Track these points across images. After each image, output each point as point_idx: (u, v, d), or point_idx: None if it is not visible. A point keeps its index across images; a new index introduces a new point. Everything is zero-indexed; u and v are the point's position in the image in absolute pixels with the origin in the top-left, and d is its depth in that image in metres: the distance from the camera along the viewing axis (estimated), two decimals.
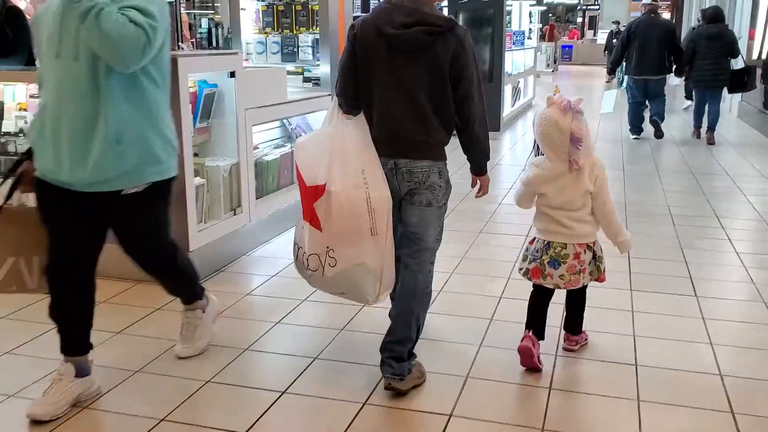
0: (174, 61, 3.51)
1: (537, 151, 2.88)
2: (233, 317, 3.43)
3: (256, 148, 4.46)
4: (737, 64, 9.09)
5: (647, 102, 9.05)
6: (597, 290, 3.13)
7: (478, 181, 2.86)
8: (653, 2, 8.89)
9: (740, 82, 8.65)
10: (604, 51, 20.45)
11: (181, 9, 12.01)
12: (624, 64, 9.16)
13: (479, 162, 2.80)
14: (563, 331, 3.07)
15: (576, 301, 2.99)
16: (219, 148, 4.13)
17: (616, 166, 7.42)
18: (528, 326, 2.87)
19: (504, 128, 10.13)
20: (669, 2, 29.10)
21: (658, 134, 8.99)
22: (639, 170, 7.28)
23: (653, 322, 3.35)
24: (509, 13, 18.88)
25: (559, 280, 2.79)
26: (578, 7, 39.82)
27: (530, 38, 20.95)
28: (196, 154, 3.82)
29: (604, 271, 2.88)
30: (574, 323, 3.02)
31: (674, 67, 8.88)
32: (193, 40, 11.91)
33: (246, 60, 5.54)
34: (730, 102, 12.19)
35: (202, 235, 3.84)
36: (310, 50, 5.37)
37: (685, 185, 6.58)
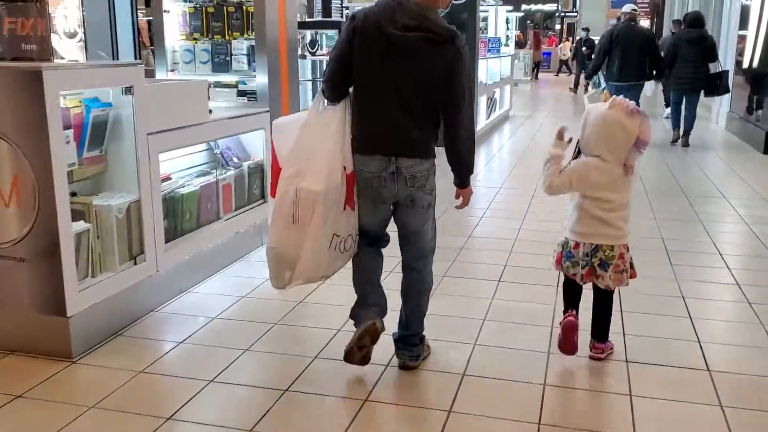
0: (37, 75, 2.71)
1: (578, 153, 2.92)
2: (111, 409, 2.61)
3: (167, 179, 3.66)
4: (717, 68, 9.15)
5: None
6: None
7: (460, 193, 2.88)
8: (633, 11, 9.05)
9: (712, 85, 8.88)
10: (572, 59, 19.89)
11: (139, 14, 11.19)
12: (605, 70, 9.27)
13: (462, 175, 2.81)
14: (590, 340, 3.04)
15: (604, 306, 3.01)
16: (117, 182, 3.33)
17: None
18: (568, 306, 3.00)
19: (478, 143, 9.36)
20: (648, 9, 28.79)
21: None
22: None
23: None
24: (485, 19, 18.35)
25: (609, 281, 2.86)
26: (556, 14, 39.61)
27: (507, 45, 20.42)
28: (73, 194, 3.01)
29: (634, 267, 2.94)
30: (602, 329, 3.02)
31: (654, 72, 9.00)
32: (153, 48, 11.09)
33: (172, 71, 4.75)
34: (717, 112, 11.59)
35: (87, 294, 3.03)
36: (245, 59, 4.58)
37: (666, 187, 6.75)
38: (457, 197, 2.89)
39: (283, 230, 2.66)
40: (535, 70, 24.07)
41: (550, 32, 36.74)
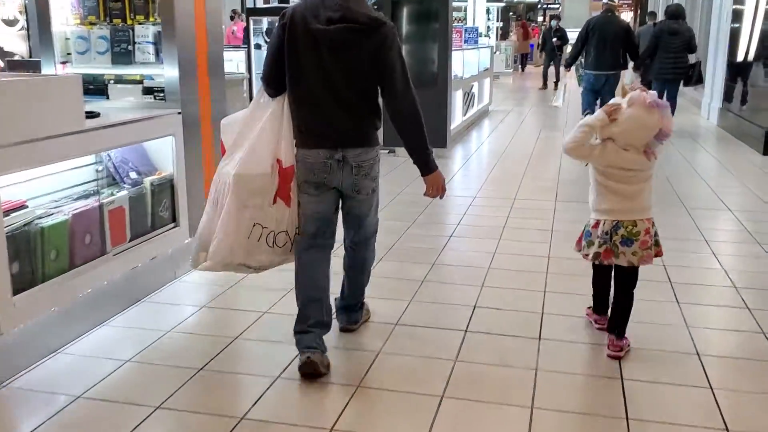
0: None
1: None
2: None
3: (19, 207, 2.74)
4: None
5: (599, 98, 9.17)
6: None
7: (426, 180, 2.79)
8: (610, 2, 9.36)
9: (688, 76, 9.15)
10: (540, 51, 18.44)
11: None
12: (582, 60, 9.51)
13: (420, 159, 2.74)
14: (609, 337, 2.96)
15: (625, 295, 2.94)
16: None
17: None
18: (597, 310, 3.11)
19: (453, 143, 8.52)
20: (631, 2, 28.10)
21: None
22: None
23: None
24: (460, 9, 17.47)
25: (632, 257, 2.82)
26: (539, 6, 39.03)
27: (488, 36, 19.55)
28: None
29: (659, 244, 2.90)
30: (621, 322, 2.93)
31: (631, 63, 9.22)
32: None
33: (64, 63, 3.81)
34: (708, 108, 10.81)
35: None
36: (151, 48, 3.66)
37: (662, 195, 5.85)
38: (426, 187, 2.81)
39: (206, 213, 2.75)
40: (524, 62, 23.18)
41: (532, 24, 36.09)
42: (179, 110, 3.60)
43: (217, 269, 2.74)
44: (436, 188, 2.79)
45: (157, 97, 3.68)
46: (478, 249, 4.38)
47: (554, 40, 16.44)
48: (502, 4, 22.86)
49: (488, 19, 20.11)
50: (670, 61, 9.07)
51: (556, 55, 16.31)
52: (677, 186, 6.21)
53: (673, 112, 8.88)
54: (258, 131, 2.66)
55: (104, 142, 3.13)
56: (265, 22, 8.29)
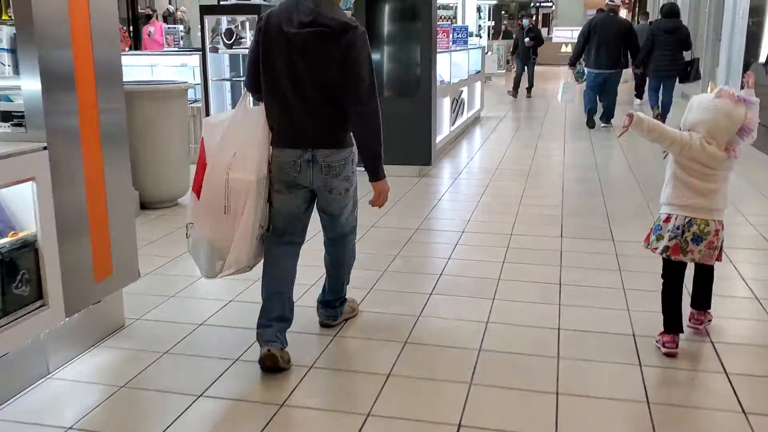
0: None
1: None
2: None
3: None
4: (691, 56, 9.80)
5: (599, 97, 9.73)
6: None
7: (373, 187, 2.84)
8: (611, 2, 9.71)
9: (685, 73, 9.28)
10: (511, 54, 15.64)
11: None
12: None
13: (369, 165, 2.78)
14: (690, 310, 3.07)
15: (705, 277, 3.02)
16: None
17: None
18: (671, 327, 2.91)
19: (439, 159, 7.50)
20: (628, 1, 27.21)
21: (607, 123, 9.83)
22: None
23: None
24: (451, 7, 16.46)
25: (698, 255, 2.84)
26: (531, 4, 38.22)
27: (480, 36, 18.53)
28: None
29: (722, 250, 2.92)
30: (706, 296, 3.05)
31: (631, 60, 9.54)
32: None
33: None
34: None
35: None
36: (6, 57, 2.62)
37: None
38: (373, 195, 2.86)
39: (215, 222, 2.73)
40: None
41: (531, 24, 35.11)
42: (44, 143, 2.56)
43: (230, 274, 2.81)
44: (383, 196, 2.86)
45: (14, 124, 2.63)
46: (463, 316, 3.35)
47: (527, 40, 13.99)
48: (494, 2, 21.78)
49: (480, 18, 19.09)
50: (666, 58, 9.23)
51: (531, 57, 14.22)
52: None
53: (669, 109, 9.36)
54: (256, 134, 2.72)
55: None
56: (224, 22, 7.24)
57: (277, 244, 2.87)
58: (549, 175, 6.77)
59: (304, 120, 2.69)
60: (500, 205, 5.54)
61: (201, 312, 3.37)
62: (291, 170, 2.72)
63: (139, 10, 17.87)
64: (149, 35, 9.01)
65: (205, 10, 6.99)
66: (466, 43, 10.03)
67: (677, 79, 9.41)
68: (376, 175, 2.79)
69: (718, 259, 2.91)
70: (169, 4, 18.12)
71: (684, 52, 9.39)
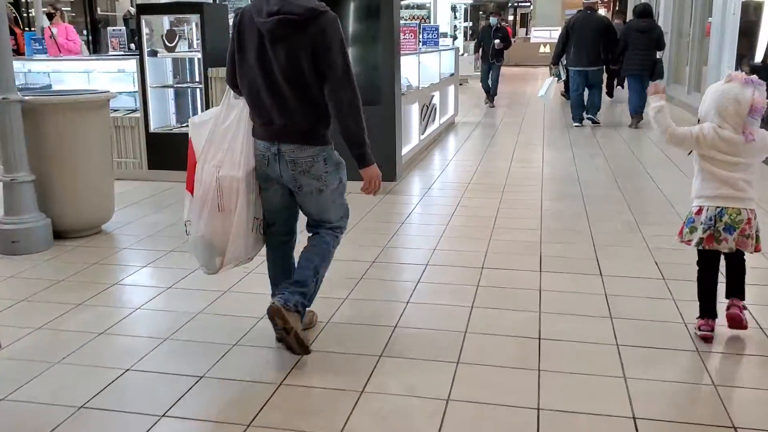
0: None
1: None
2: None
3: None
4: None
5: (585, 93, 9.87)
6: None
7: (362, 174, 2.79)
8: (590, 1, 9.79)
9: (651, 71, 9.40)
10: (476, 54, 13.75)
11: None
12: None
13: (354, 151, 2.72)
14: (726, 300, 3.02)
15: (737, 269, 3.01)
16: None
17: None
18: (706, 312, 2.98)
19: (407, 172, 6.81)
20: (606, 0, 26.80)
21: (594, 117, 10.00)
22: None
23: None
24: (426, 6, 15.80)
25: (732, 243, 2.87)
26: (509, 4, 37.82)
27: (455, 37, 17.90)
28: None
29: (759, 240, 2.93)
30: (737, 286, 3.02)
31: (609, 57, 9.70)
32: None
33: None
34: None
35: None
36: None
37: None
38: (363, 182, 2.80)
39: (210, 219, 2.76)
40: None
41: (503, 22, 34.69)
42: None
43: (229, 268, 2.88)
44: (372, 182, 2.78)
45: None
46: (417, 390, 2.65)
47: (496, 42, 12.19)
48: (470, 2, 21.09)
49: (455, 18, 18.45)
50: (638, 57, 9.36)
51: (497, 60, 12.47)
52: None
53: (644, 107, 9.24)
54: (241, 130, 2.77)
55: None
56: (165, 22, 6.49)
57: (270, 236, 2.96)
58: (526, 190, 6.10)
59: (272, 112, 2.68)
60: (471, 229, 4.86)
61: (87, 389, 2.63)
62: (261, 163, 2.76)
63: (99, 12, 17.01)
64: (52, 38, 8.13)
65: (142, 9, 6.24)
66: (437, 44, 9.35)
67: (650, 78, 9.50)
68: (362, 161, 2.73)
69: (757, 249, 2.93)
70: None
71: (658, 51, 9.56)
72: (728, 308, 3.00)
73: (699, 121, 2.96)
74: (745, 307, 3.03)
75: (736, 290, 3.02)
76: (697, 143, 2.90)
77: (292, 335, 2.64)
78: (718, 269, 3.01)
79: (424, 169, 7.19)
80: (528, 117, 11.33)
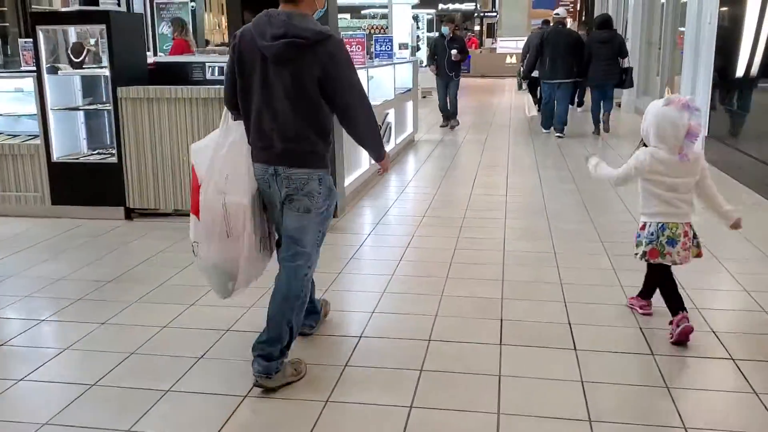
0: None
1: (642, 143, 3.20)
2: None
3: None
4: (626, 64, 9.99)
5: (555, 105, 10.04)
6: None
7: (378, 163, 2.98)
8: (560, 16, 10.22)
9: (620, 80, 9.74)
10: (431, 66, 11.41)
11: None
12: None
13: (374, 154, 2.92)
14: (679, 316, 3.14)
15: (669, 283, 3.24)
16: None
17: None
18: (676, 310, 3.14)
19: (354, 203, 5.99)
20: (572, 11, 26.48)
21: (561, 135, 9.94)
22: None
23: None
24: (384, 16, 15.05)
25: (677, 256, 3.10)
26: (475, 14, 37.49)
27: (418, 48, 17.19)
28: None
29: (700, 246, 3.22)
30: (650, 290, 3.41)
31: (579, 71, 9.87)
32: None
33: None
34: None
35: None
36: None
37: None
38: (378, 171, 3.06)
39: (220, 245, 2.76)
40: None
41: (469, 33, 34.35)
42: None
43: (241, 291, 2.92)
44: (385, 167, 2.98)
45: None
46: None
47: (453, 52, 10.42)
48: (432, 11, 20.37)
49: (417, 28, 17.75)
50: (602, 67, 9.62)
51: (455, 75, 10.71)
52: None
53: (610, 109, 10.04)
54: (243, 154, 2.75)
55: None
56: (72, 34, 5.60)
57: (279, 255, 2.90)
58: (488, 224, 5.33)
59: (273, 135, 2.68)
60: (420, 283, 4.05)
61: None
62: (263, 185, 2.77)
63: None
64: None
65: (38, 19, 5.32)
66: (391, 56, 8.57)
67: (614, 86, 9.91)
68: (379, 157, 2.92)
69: (699, 255, 3.21)
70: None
71: (621, 60, 9.74)
72: (678, 324, 3.11)
73: (641, 134, 3.19)
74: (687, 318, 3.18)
75: (648, 293, 3.42)
76: (639, 172, 3.14)
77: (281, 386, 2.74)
78: (671, 274, 3.24)
79: (375, 197, 6.39)
80: (493, 133, 10.62)
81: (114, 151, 5.43)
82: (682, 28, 10.68)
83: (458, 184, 6.99)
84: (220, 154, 2.75)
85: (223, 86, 2.85)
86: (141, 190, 5.42)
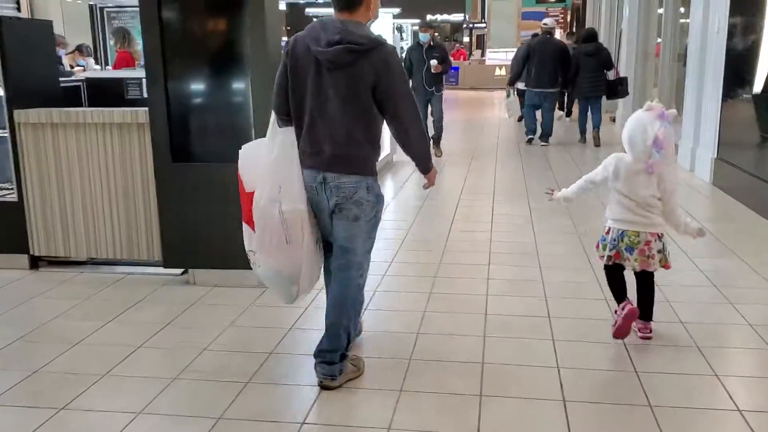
0: None
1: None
2: None
3: None
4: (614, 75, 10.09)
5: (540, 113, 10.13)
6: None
7: (425, 177, 3.05)
8: (546, 25, 10.24)
9: (615, 90, 9.92)
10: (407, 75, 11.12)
11: None
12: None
13: (422, 167, 2.98)
14: (637, 322, 3.25)
15: (645, 289, 3.27)
16: None
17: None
18: (620, 299, 3.26)
19: None
20: (561, 20, 25.84)
21: (546, 142, 10.14)
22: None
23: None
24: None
25: (635, 263, 3.18)
26: (464, 26, 36.86)
27: (403, 61, 16.34)
28: None
29: (668, 260, 3.22)
30: (646, 309, 3.26)
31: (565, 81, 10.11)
32: None
33: None
34: (692, 154, 7.73)
35: None
36: None
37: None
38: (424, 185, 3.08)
39: (280, 253, 2.77)
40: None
41: (457, 45, 33.74)
42: None
43: (305, 294, 2.97)
44: (431, 180, 3.04)
45: None
46: None
47: (433, 62, 8.79)
48: (415, 21, 19.43)
49: (402, 39, 16.89)
50: (588, 80, 9.83)
51: (437, 89, 9.05)
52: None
53: (599, 122, 10.12)
54: (296, 160, 2.76)
55: None
56: None
57: (327, 258, 2.95)
58: (467, 275, 4.40)
59: (324, 141, 2.69)
60: (387, 343, 3.22)
61: None
62: (312, 192, 2.77)
63: None
64: None
65: None
66: None
67: (603, 98, 10.04)
68: (426, 171, 2.98)
69: (665, 266, 3.21)
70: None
71: (607, 72, 9.91)
72: (639, 330, 3.25)
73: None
74: (651, 330, 3.28)
75: (645, 314, 3.27)
76: (605, 170, 3.21)
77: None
78: (621, 275, 3.28)
79: None
80: (478, 154, 9.72)
81: (13, 188, 4.48)
82: (659, 39, 11.03)
83: (436, 217, 6.06)
84: (272, 164, 2.76)
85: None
86: (48, 233, 4.46)
